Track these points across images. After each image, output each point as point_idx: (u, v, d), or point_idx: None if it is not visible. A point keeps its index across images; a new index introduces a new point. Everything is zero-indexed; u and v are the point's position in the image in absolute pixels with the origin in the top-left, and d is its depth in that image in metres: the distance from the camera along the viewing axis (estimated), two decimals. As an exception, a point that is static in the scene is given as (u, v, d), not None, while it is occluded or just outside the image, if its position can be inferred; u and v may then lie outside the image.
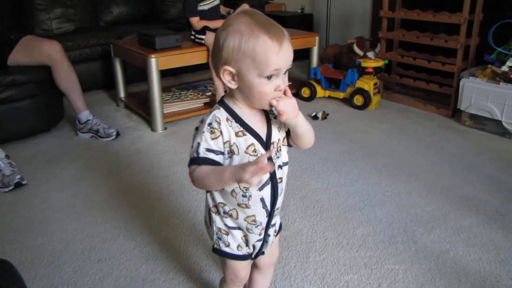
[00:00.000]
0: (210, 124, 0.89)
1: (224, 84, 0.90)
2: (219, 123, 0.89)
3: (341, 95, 3.04)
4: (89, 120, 2.57)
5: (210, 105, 2.86)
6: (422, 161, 2.19)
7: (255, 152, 0.91)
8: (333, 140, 2.46)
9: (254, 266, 1.17)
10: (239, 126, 0.90)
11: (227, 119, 0.90)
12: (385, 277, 1.39)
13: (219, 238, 1.01)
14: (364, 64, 2.91)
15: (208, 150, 0.88)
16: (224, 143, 0.89)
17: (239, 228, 1.00)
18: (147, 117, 2.70)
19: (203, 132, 0.89)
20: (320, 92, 3.09)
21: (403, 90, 3.26)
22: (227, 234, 1.00)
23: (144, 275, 1.43)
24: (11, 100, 2.43)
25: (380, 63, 2.94)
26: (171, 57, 2.57)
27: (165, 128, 2.64)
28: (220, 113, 0.90)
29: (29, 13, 3.56)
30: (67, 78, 2.53)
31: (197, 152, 0.88)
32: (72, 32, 3.62)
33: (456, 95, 2.73)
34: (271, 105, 0.86)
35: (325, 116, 2.75)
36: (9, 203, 1.90)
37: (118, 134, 2.54)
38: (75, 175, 2.13)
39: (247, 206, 0.96)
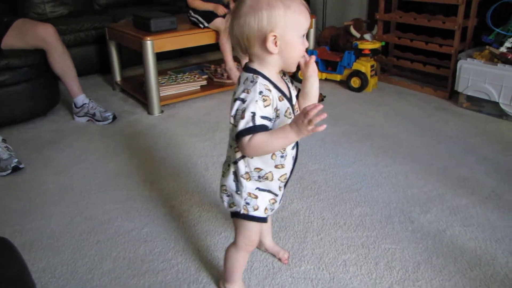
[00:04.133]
0: (261, 92, 0.96)
1: (264, 52, 0.98)
2: (269, 90, 0.98)
3: (338, 77, 3.03)
4: (85, 104, 2.55)
5: (207, 88, 2.84)
6: (419, 143, 2.20)
7: (290, 114, 1.03)
8: (330, 123, 2.45)
9: None
10: (277, 91, 1.01)
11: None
12: (382, 256, 1.40)
13: (248, 203, 1.09)
14: (361, 46, 2.89)
15: (263, 117, 0.96)
16: (273, 109, 0.99)
17: (268, 191, 1.10)
18: (144, 100, 2.69)
19: (256, 101, 0.95)
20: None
21: (400, 73, 3.25)
22: (256, 197, 1.09)
23: (142, 256, 1.43)
24: (5, 85, 2.41)
25: (377, 45, 2.92)
26: (167, 39, 2.55)
27: (162, 111, 2.63)
28: (263, 81, 0.99)
29: (22, -4, 3.51)
30: (62, 62, 2.51)
31: (253, 121, 0.95)
32: (66, 15, 3.57)
33: (453, 77, 2.72)
34: (298, 65, 1.03)
35: (322, 99, 2.74)
36: (6, 186, 1.90)
37: (114, 118, 2.53)
38: (72, 159, 2.13)
39: (282, 166, 1.07)
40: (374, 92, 2.95)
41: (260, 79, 0.98)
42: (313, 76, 1.07)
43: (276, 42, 0.97)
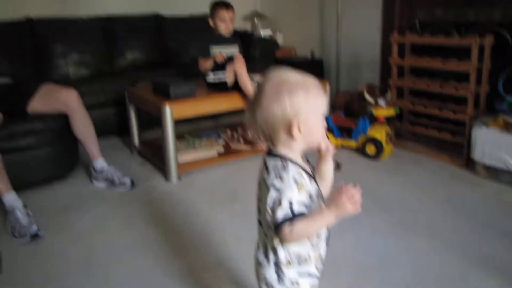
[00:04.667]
0: (294, 178, 0.98)
1: (289, 137, 1.01)
2: (301, 175, 1.00)
3: (353, 144, 3.06)
4: (104, 168, 2.59)
5: (223, 155, 2.88)
6: (437, 216, 2.18)
7: (320, 196, 1.07)
8: (346, 192, 2.45)
9: None
10: (307, 175, 1.03)
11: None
12: None
13: None
14: (375, 113, 2.93)
15: (300, 204, 0.97)
16: (308, 193, 1.00)
17: (308, 274, 1.09)
18: (161, 166, 2.72)
19: (291, 188, 0.97)
20: (332, 141, 3.11)
21: (415, 138, 3.27)
22: (298, 285, 1.07)
23: None
24: (29, 148, 2.49)
25: (391, 112, 2.96)
26: (186, 106, 2.61)
27: (179, 178, 2.66)
28: (294, 166, 1.00)
29: (48, 59, 3.66)
30: (83, 126, 2.58)
31: (292, 210, 0.96)
32: (88, 77, 3.71)
33: (468, 145, 2.73)
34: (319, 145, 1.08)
35: (338, 167, 2.75)
36: (25, 256, 1.91)
37: (132, 184, 2.56)
38: (90, 226, 2.14)
39: (317, 245, 1.09)
40: (389, 159, 2.95)
41: (290, 165, 1.00)
42: (329, 159, 1.12)
43: (299, 128, 0.99)
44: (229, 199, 2.38)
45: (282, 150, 1.03)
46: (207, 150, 2.84)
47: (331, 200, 0.97)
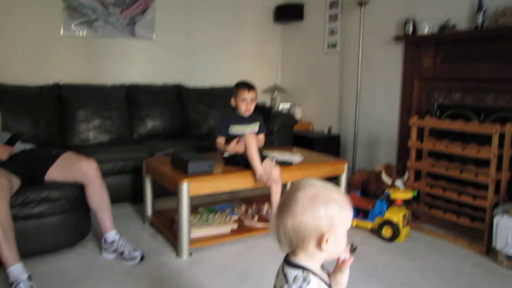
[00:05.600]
0: None
1: (317, 248, 1.03)
2: None
3: (369, 225, 2.99)
4: (115, 241, 2.56)
5: (236, 231, 2.82)
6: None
7: None
8: (361, 278, 2.37)
9: None
10: (326, 286, 1.06)
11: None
12: None
13: None
14: (393, 196, 2.89)
15: None
16: None
17: None
18: (173, 240, 2.67)
19: None
20: (348, 221, 3.04)
21: (432, 220, 3.19)
22: None
23: None
24: (42, 216, 2.47)
25: (409, 195, 2.91)
26: (203, 183, 2.60)
27: (191, 254, 2.60)
28: (316, 279, 1.03)
29: (70, 123, 3.75)
30: (98, 197, 2.58)
31: None
32: (107, 143, 3.77)
33: (489, 232, 2.65)
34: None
35: (353, 250, 2.68)
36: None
37: (142, 258, 2.51)
38: (95, 304, 2.08)
39: None
40: (406, 242, 2.87)
41: (312, 278, 1.01)
42: (347, 270, 1.14)
43: (328, 240, 1.01)
44: (239, 281, 2.30)
45: (303, 259, 1.05)
46: (221, 226, 2.79)
47: None
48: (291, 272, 1.03)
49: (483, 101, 3.25)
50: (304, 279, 1.00)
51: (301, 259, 1.04)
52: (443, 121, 3.06)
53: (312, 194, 1.02)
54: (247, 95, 2.82)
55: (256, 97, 2.90)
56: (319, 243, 1.01)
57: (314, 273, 1.03)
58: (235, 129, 2.86)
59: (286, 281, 1.02)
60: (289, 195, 1.05)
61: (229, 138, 2.85)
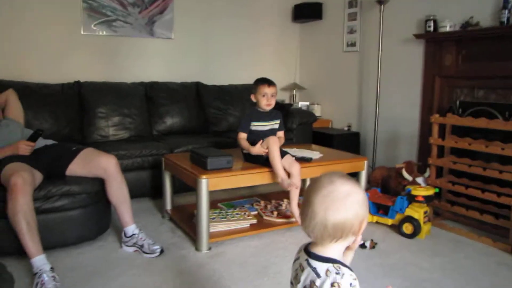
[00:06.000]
0: (352, 285, 1.01)
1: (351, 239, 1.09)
2: (355, 279, 1.03)
3: (389, 221, 2.95)
4: (135, 234, 2.57)
5: (255, 226, 2.82)
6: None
7: None
8: (381, 274, 2.33)
9: None
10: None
11: None
12: None
13: None
14: (414, 192, 2.84)
15: None
16: None
17: None
18: (192, 235, 2.68)
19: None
20: (368, 217, 3.01)
21: (454, 217, 3.14)
22: None
23: None
24: (63, 209, 2.51)
25: (430, 192, 2.86)
26: (222, 178, 2.60)
27: (210, 248, 2.60)
28: (347, 270, 1.04)
29: (90, 120, 3.79)
30: (118, 192, 2.60)
31: None
32: (126, 140, 3.80)
33: (514, 230, 2.60)
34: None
35: (373, 246, 2.65)
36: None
37: (162, 251, 2.52)
38: (116, 296, 2.09)
39: None
40: (427, 239, 2.82)
41: (345, 270, 1.02)
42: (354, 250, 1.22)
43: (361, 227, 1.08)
44: (259, 275, 2.29)
45: (331, 251, 1.07)
46: (240, 221, 2.79)
47: None
48: (321, 266, 1.04)
49: (507, 98, 3.18)
50: (337, 272, 1.01)
51: (329, 251, 1.06)
52: (465, 119, 3.00)
53: (345, 190, 1.06)
54: (267, 89, 2.81)
55: (276, 92, 2.88)
56: (357, 232, 1.07)
57: (344, 265, 1.04)
58: (255, 125, 2.85)
59: (317, 275, 1.03)
60: (323, 189, 1.06)
61: (250, 134, 2.84)
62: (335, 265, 1.03)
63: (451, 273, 2.37)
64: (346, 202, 1.04)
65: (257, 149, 2.75)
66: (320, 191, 1.06)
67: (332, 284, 1.00)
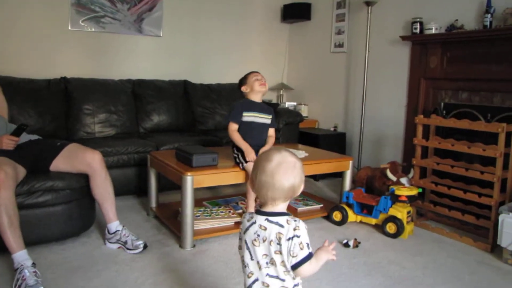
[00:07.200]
0: (305, 226, 1.31)
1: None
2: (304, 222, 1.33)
3: (373, 221, 2.98)
4: (118, 231, 2.56)
5: (240, 224, 2.80)
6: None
7: None
8: (364, 273, 2.36)
9: None
10: None
11: None
12: None
13: None
14: (397, 192, 2.87)
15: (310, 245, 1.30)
16: None
17: None
18: (177, 232, 2.68)
19: (307, 233, 1.30)
20: (351, 216, 3.04)
21: (437, 218, 3.18)
22: None
23: None
24: (46, 205, 2.49)
25: (414, 192, 2.90)
26: (207, 176, 2.61)
27: (194, 246, 2.60)
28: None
29: (76, 116, 3.77)
30: (103, 188, 2.58)
31: (309, 249, 1.29)
32: (112, 136, 3.78)
33: (495, 230, 2.64)
34: None
35: (356, 245, 2.67)
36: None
37: (145, 247, 2.51)
38: (98, 292, 2.08)
39: None
40: (410, 239, 2.86)
41: (297, 218, 1.32)
42: None
43: None
44: (241, 272, 2.28)
45: (281, 207, 1.34)
46: (224, 219, 2.80)
47: (320, 249, 1.37)
48: (281, 219, 1.30)
49: (490, 101, 3.24)
50: (295, 220, 1.30)
51: (279, 208, 1.33)
52: (448, 120, 3.04)
53: (292, 160, 1.33)
54: (258, 75, 2.81)
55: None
56: (295, 193, 1.34)
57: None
58: (247, 115, 2.79)
59: (281, 226, 1.28)
60: (276, 161, 1.31)
61: (241, 126, 2.80)
62: (290, 216, 1.32)
63: (432, 271, 2.40)
64: (294, 170, 1.31)
65: (252, 157, 2.67)
66: (273, 162, 1.31)
67: (294, 229, 1.27)
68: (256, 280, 1.33)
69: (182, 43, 4.68)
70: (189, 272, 2.31)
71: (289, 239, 1.26)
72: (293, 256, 1.26)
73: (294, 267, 1.27)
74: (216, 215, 2.83)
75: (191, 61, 4.75)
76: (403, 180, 3.06)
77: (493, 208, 2.72)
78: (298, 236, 1.26)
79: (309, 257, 1.27)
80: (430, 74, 3.67)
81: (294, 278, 1.32)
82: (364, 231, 2.96)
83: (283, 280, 1.31)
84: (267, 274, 1.31)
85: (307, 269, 1.28)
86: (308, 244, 1.27)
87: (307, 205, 3.25)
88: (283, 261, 1.28)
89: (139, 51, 4.46)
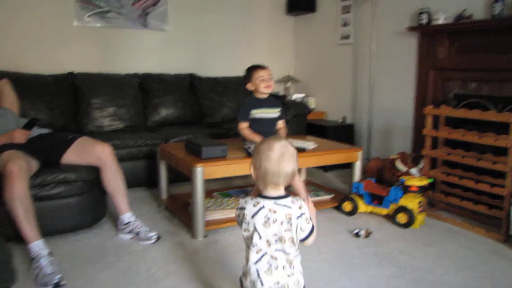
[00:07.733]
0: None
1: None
2: None
3: (383, 211, 2.98)
4: (130, 222, 2.58)
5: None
6: (474, 294, 2.05)
7: None
8: (376, 263, 2.36)
9: None
10: None
11: None
12: None
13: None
14: (408, 183, 2.87)
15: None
16: None
17: None
18: (188, 223, 2.69)
19: (307, 209, 1.49)
20: (362, 207, 3.04)
21: (448, 208, 3.16)
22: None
23: None
24: (60, 197, 2.52)
25: (424, 182, 2.89)
26: (216, 167, 2.61)
27: (205, 236, 2.61)
28: None
29: (85, 111, 3.79)
30: (113, 180, 2.60)
31: (312, 222, 1.50)
32: (121, 130, 3.80)
33: (507, 220, 2.62)
34: None
35: (367, 235, 2.67)
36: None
37: (158, 238, 2.53)
38: (112, 282, 2.09)
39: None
40: (421, 229, 2.85)
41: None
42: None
43: None
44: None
45: (282, 192, 1.48)
46: (235, 210, 2.80)
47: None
48: (286, 201, 1.45)
49: (501, 91, 3.21)
50: (297, 199, 1.47)
51: (281, 191, 1.47)
52: (458, 110, 3.03)
53: (293, 150, 1.48)
54: (263, 72, 2.78)
55: (272, 74, 2.84)
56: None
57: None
58: (256, 112, 2.81)
59: (289, 207, 1.44)
60: (279, 150, 1.45)
61: (253, 123, 2.81)
62: (291, 196, 1.48)
63: (444, 261, 2.40)
64: (293, 157, 1.46)
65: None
66: (276, 151, 1.43)
67: (299, 207, 1.45)
68: (265, 254, 1.45)
69: (187, 37, 4.68)
70: (201, 262, 2.32)
71: (297, 217, 1.44)
72: (302, 231, 1.46)
73: (304, 239, 1.48)
74: (227, 206, 2.84)
75: (197, 55, 4.74)
76: (413, 171, 3.05)
77: (505, 198, 2.70)
78: (304, 213, 1.45)
79: (313, 228, 1.49)
80: (438, 65, 3.64)
81: (296, 250, 1.48)
82: (375, 221, 2.96)
83: (288, 254, 1.45)
84: (276, 249, 1.45)
85: (312, 238, 1.49)
86: (310, 217, 1.48)
87: (317, 195, 3.25)
88: (291, 237, 1.43)
89: (145, 46, 4.46)
